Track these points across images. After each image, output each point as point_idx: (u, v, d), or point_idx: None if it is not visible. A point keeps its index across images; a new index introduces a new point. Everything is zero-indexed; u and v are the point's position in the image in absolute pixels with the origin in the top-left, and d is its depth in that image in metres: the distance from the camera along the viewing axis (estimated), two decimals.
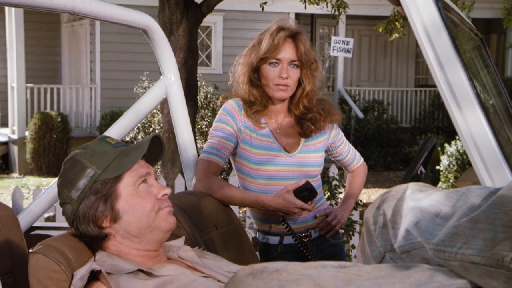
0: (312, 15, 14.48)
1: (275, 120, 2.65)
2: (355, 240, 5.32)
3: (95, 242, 1.80)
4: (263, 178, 2.60)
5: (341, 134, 2.79)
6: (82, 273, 1.69)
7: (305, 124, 2.63)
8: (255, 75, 2.60)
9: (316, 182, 2.69)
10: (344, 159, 2.84)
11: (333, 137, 2.74)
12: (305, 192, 2.44)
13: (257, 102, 2.60)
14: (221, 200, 2.50)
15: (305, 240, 2.66)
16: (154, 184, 1.83)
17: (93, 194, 1.76)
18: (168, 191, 1.83)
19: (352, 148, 2.87)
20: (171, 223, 1.82)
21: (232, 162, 2.70)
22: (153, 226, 1.78)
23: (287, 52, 2.54)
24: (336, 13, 9.24)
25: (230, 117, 2.60)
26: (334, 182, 5.39)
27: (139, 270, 1.72)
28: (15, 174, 12.16)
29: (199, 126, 9.68)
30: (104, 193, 1.76)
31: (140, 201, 1.78)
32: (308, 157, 2.64)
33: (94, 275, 1.69)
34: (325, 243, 2.71)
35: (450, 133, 10.86)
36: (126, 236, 1.78)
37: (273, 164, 2.59)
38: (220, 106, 2.69)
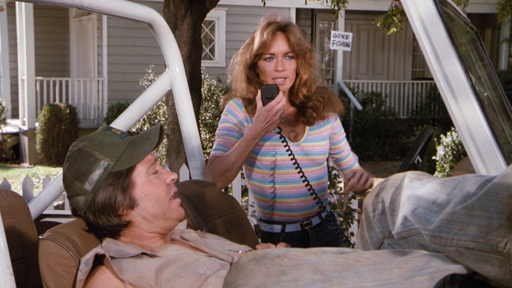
0: (312, 10, 14.52)
1: None
2: (354, 227, 5.36)
3: (111, 231, 1.80)
4: (269, 168, 2.63)
5: (342, 130, 2.78)
6: (87, 258, 1.71)
7: (307, 112, 2.63)
8: (252, 72, 2.61)
9: (323, 170, 2.71)
10: (344, 159, 2.79)
11: (335, 127, 2.73)
12: (268, 93, 2.43)
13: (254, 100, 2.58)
14: (229, 175, 2.51)
15: (306, 228, 2.69)
16: (161, 171, 1.86)
17: (110, 185, 1.76)
18: (175, 176, 1.87)
19: (352, 154, 2.83)
20: (181, 214, 1.87)
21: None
22: (167, 214, 1.82)
23: (279, 45, 2.54)
24: (336, 8, 9.22)
25: (232, 115, 2.63)
26: (334, 172, 5.44)
27: (143, 253, 1.74)
28: (26, 164, 12.20)
29: (202, 117, 9.71)
30: (121, 184, 1.77)
31: (155, 189, 1.81)
32: (313, 146, 2.64)
33: (99, 260, 1.72)
34: (324, 230, 2.73)
35: (446, 124, 10.85)
36: (141, 221, 1.80)
37: (278, 153, 2.61)
38: (223, 107, 2.70)
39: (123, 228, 1.79)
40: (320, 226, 2.73)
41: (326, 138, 2.70)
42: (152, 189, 1.81)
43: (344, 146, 2.79)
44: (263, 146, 2.61)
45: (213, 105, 10.11)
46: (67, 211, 4.20)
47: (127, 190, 1.77)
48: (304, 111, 2.64)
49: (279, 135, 2.58)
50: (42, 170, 11.21)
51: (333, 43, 11.66)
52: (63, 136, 11.85)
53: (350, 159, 2.81)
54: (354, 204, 5.54)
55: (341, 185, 5.69)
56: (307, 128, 2.67)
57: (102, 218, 1.76)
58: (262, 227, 2.75)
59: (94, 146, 1.79)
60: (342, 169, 2.83)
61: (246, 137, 2.46)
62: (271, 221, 2.71)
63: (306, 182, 2.56)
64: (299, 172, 2.55)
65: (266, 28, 2.55)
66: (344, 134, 2.80)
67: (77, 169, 1.77)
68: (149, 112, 9.70)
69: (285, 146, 2.55)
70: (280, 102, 2.39)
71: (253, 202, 2.88)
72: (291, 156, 2.54)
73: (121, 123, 2.59)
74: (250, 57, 2.58)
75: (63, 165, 1.84)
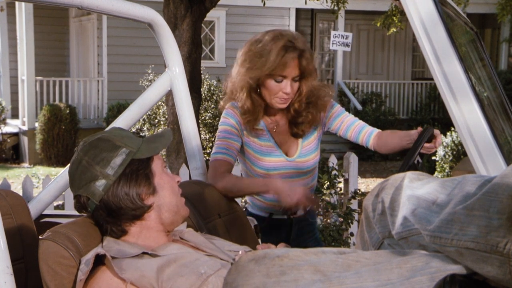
0: (312, 10, 14.51)
1: (271, 120, 2.70)
2: (353, 228, 5.35)
3: (132, 216, 1.82)
4: (262, 176, 2.69)
5: (337, 106, 2.74)
6: (88, 258, 1.71)
7: (296, 127, 2.68)
8: (255, 86, 2.61)
9: (313, 176, 2.81)
10: (353, 123, 2.73)
11: (326, 113, 2.72)
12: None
13: (249, 113, 2.62)
14: (229, 194, 2.56)
15: (292, 216, 2.78)
16: (168, 172, 1.93)
17: (134, 170, 1.81)
18: (180, 179, 1.96)
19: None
20: (187, 211, 1.93)
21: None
22: (179, 207, 1.88)
23: (292, 69, 2.55)
24: (336, 8, 9.26)
25: (232, 118, 2.65)
26: (334, 172, 5.42)
27: (144, 253, 1.75)
28: (26, 164, 12.22)
29: (202, 117, 9.75)
30: (144, 170, 1.82)
31: (170, 180, 1.89)
32: (307, 160, 2.71)
33: (100, 260, 1.72)
34: (304, 222, 2.84)
35: (446, 125, 10.90)
36: (156, 210, 1.84)
37: (275, 169, 2.68)
38: (222, 108, 2.73)
39: (143, 213, 1.82)
40: (302, 216, 2.83)
41: (317, 148, 2.76)
42: (168, 180, 1.88)
43: (345, 117, 2.73)
44: (262, 161, 2.68)
45: (213, 105, 10.13)
46: (67, 211, 4.24)
47: (149, 177, 1.83)
48: (293, 125, 2.68)
49: (275, 149, 2.67)
50: (42, 170, 11.20)
51: (333, 43, 11.64)
52: (63, 136, 11.87)
53: (360, 123, 2.73)
54: (354, 204, 5.53)
55: (341, 185, 5.70)
56: (300, 140, 2.72)
57: (125, 201, 1.80)
58: (250, 209, 2.85)
59: (114, 136, 1.84)
60: (358, 133, 2.73)
61: (267, 182, 2.52)
62: (261, 208, 2.81)
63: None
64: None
65: (286, 51, 2.53)
66: (342, 109, 2.75)
67: (98, 154, 1.81)
68: (149, 112, 9.71)
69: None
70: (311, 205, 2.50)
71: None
72: (282, 172, 2.65)
73: (121, 123, 2.58)
74: (262, 74, 2.55)
75: (76, 155, 1.85)
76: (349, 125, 2.72)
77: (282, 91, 2.56)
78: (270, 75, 2.55)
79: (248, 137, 2.68)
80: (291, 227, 2.80)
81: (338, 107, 2.74)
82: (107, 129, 1.99)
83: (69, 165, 1.90)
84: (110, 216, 1.81)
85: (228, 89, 2.69)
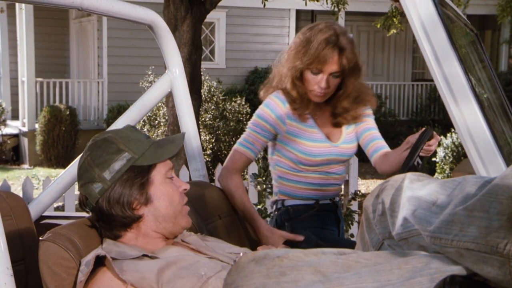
0: (312, 11, 14.51)
1: (314, 107, 2.68)
2: (354, 229, 5.35)
3: (122, 223, 1.80)
4: (308, 165, 2.66)
5: (370, 110, 2.76)
6: (88, 259, 1.71)
7: (339, 117, 2.69)
8: (298, 75, 2.61)
9: (346, 164, 2.82)
10: (370, 129, 2.74)
11: (364, 123, 2.75)
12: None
13: (297, 101, 2.62)
14: (230, 199, 2.60)
15: (334, 200, 2.82)
16: (176, 178, 1.89)
17: (131, 177, 1.78)
18: (188, 186, 1.90)
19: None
20: (188, 222, 1.90)
21: (271, 148, 2.75)
22: (177, 219, 1.84)
23: (330, 65, 2.53)
24: (336, 9, 9.29)
25: (272, 111, 2.63)
26: None
27: (144, 255, 1.75)
28: (26, 165, 12.19)
29: (202, 119, 9.72)
30: (141, 178, 1.79)
31: (170, 191, 1.83)
32: (350, 148, 2.70)
33: (100, 261, 1.72)
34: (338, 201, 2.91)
35: (446, 126, 10.83)
36: (150, 219, 1.81)
37: (320, 155, 2.65)
38: (263, 98, 2.70)
39: (133, 222, 1.80)
40: (338, 202, 2.89)
41: (356, 139, 2.74)
42: (167, 190, 1.83)
43: (373, 126, 2.77)
44: (308, 146, 2.64)
45: (213, 107, 10.14)
46: (67, 212, 4.23)
47: (145, 186, 1.79)
48: (340, 116, 2.68)
49: (319, 135, 2.65)
50: (42, 172, 11.19)
51: None
52: (63, 137, 11.84)
53: (382, 141, 2.76)
54: (354, 206, 5.54)
55: (341, 186, 5.70)
56: (344, 128, 2.71)
57: (116, 208, 1.77)
58: (288, 203, 2.75)
59: (121, 138, 1.81)
60: (377, 149, 2.74)
61: (257, 222, 2.53)
62: (305, 197, 2.76)
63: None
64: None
65: (326, 45, 2.52)
66: (373, 122, 2.79)
67: (99, 156, 1.79)
68: (149, 114, 9.71)
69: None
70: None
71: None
72: (325, 158, 2.65)
73: (121, 125, 2.49)
74: (302, 65, 2.57)
75: (83, 152, 1.86)
76: (366, 128, 2.74)
77: (317, 85, 2.56)
78: (308, 66, 2.56)
79: (292, 124, 2.64)
80: (336, 210, 2.82)
81: (370, 111, 2.77)
82: (121, 127, 1.95)
83: (76, 159, 1.90)
84: (101, 221, 1.81)
85: (275, 75, 2.70)
